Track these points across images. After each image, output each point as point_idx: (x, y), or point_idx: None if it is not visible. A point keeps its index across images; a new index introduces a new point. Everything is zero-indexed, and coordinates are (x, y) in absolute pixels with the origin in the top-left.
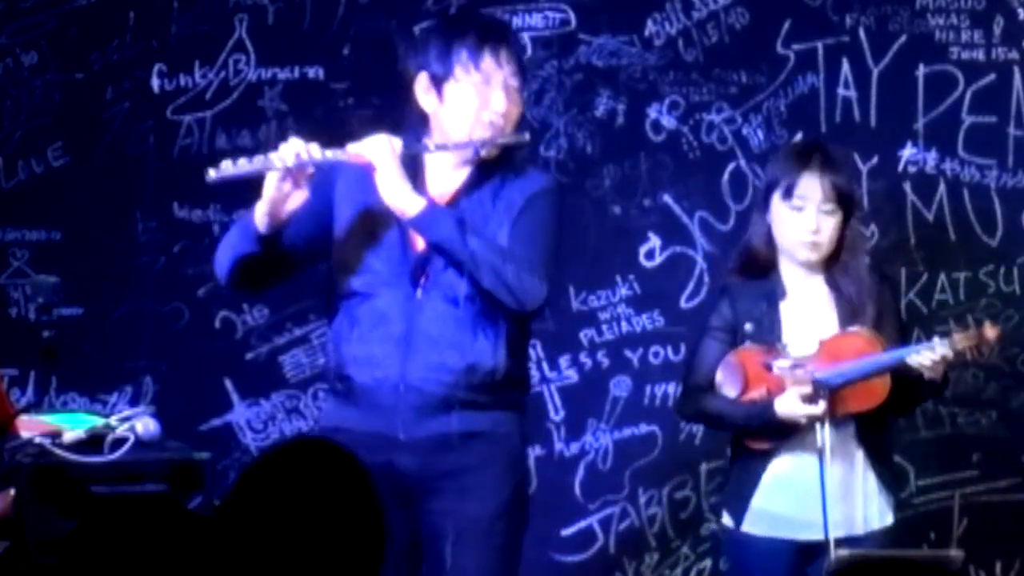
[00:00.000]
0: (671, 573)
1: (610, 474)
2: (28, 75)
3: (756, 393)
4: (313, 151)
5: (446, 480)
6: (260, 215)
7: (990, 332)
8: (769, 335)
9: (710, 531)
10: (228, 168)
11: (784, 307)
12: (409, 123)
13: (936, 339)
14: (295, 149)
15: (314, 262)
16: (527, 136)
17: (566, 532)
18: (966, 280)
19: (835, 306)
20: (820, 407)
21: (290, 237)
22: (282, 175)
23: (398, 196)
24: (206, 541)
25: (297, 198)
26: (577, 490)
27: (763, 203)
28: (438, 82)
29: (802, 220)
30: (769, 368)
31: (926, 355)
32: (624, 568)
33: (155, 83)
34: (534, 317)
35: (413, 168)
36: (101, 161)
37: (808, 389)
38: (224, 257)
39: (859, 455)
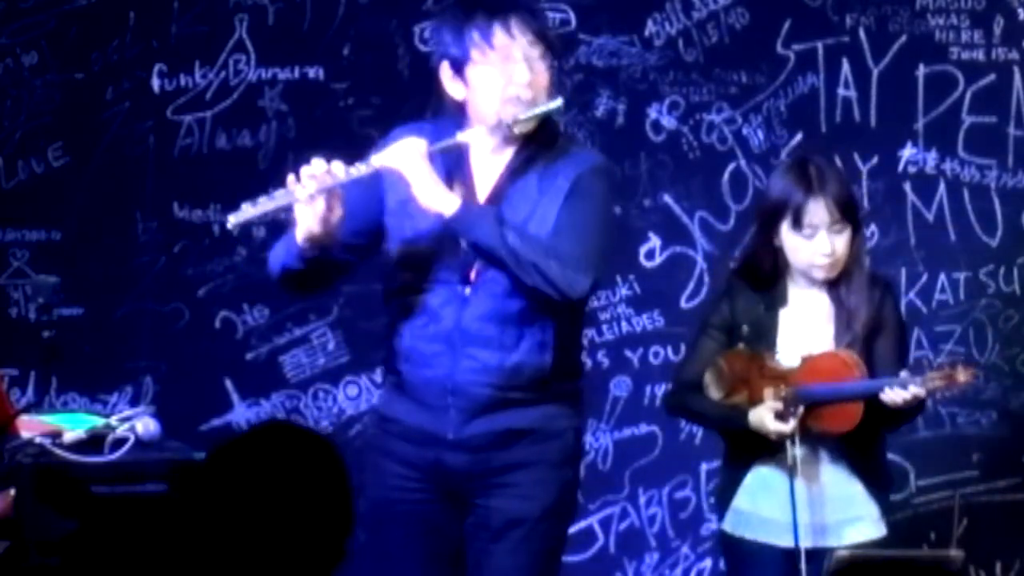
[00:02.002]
0: (671, 573)
1: (610, 474)
2: (28, 75)
3: (739, 397)
4: (336, 170)
5: (494, 478)
6: (301, 239)
7: (962, 376)
8: (763, 340)
9: (710, 531)
10: (248, 211)
11: (783, 315)
12: (447, 112)
13: (907, 375)
14: (316, 172)
15: (373, 252)
16: (560, 101)
17: None
18: (966, 280)
19: (834, 318)
20: (789, 425)
21: (345, 236)
22: (308, 203)
23: (432, 198)
24: (175, 526)
25: (334, 217)
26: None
27: (768, 227)
28: (459, 68)
29: (815, 245)
30: (758, 374)
31: (899, 392)
32: (624, 568)
33: (155, 83)
34: (583, 305)
35: (457, 159)
36: (101, 161)
37: (780, 405)
38: (274, 265)
39: (835, 471)
